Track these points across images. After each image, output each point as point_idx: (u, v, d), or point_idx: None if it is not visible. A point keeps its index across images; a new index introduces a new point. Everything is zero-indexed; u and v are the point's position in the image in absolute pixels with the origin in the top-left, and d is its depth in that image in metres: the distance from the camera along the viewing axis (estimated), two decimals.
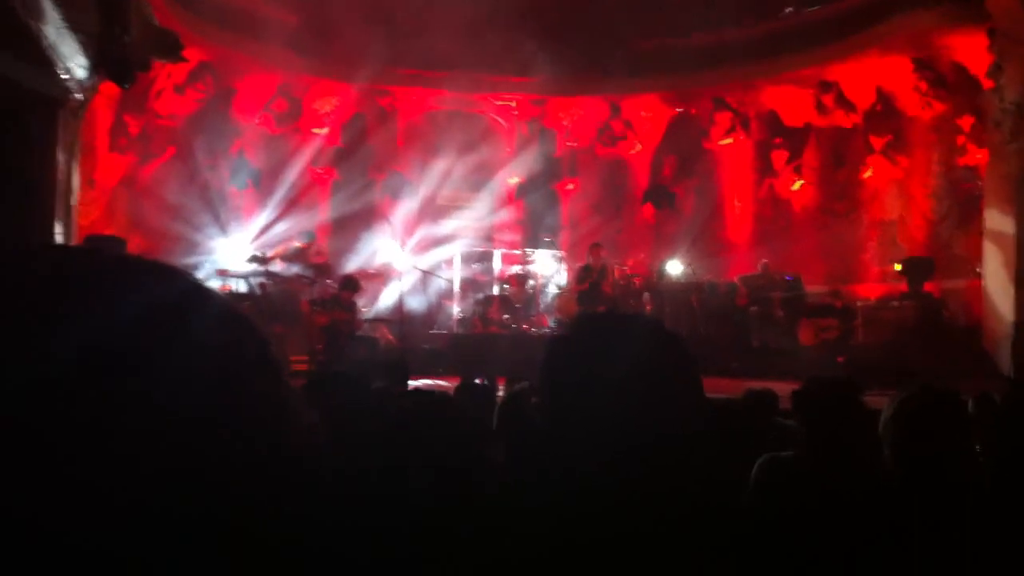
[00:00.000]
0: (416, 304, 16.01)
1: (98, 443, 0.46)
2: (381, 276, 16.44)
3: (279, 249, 15.52)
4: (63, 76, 8.63)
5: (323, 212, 18.57)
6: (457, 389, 5.24)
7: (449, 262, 17.29)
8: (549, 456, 1.38)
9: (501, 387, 6.10)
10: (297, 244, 15.80)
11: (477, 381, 5.78)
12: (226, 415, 0.50)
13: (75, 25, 8.40)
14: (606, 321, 1.48)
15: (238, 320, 0.56)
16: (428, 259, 17.16)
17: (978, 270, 13.68)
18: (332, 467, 0.58)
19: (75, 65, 8.87)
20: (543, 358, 1.38)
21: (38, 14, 7.35)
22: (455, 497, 2.33)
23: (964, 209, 15.18)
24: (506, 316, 15.47)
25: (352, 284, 13.07)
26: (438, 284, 16.78)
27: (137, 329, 0.49)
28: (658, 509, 1.31)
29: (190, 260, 15.12)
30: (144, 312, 0.50)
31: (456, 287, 16.82)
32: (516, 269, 16.59)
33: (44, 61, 8.04)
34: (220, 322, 0.54)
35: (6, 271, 0.51)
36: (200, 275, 14.76)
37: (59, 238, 9.24)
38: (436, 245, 17.88)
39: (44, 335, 0.47)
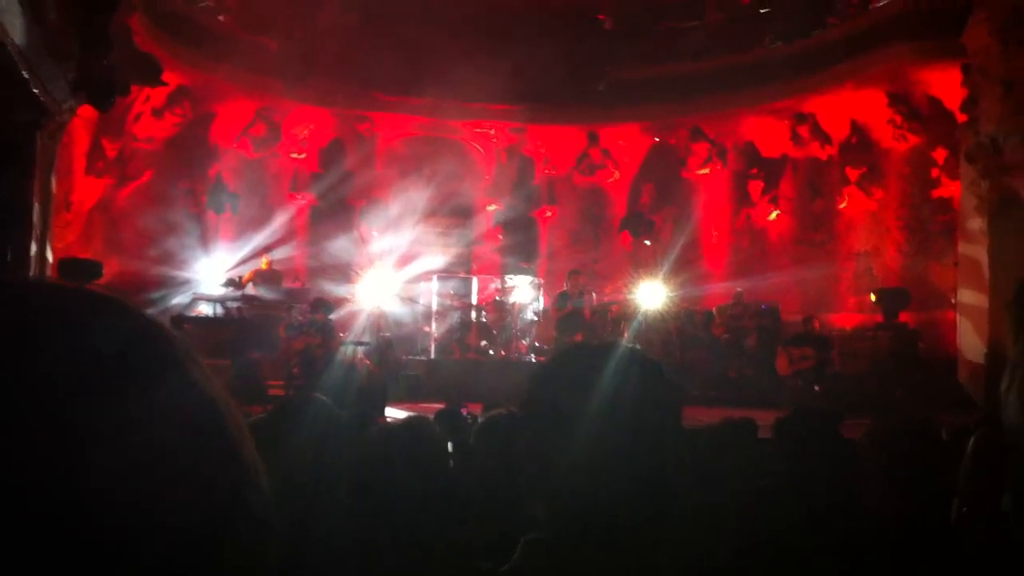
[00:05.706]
0: (393, 329, 15.94)
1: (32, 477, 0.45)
2: (358, 300, 16.38)
3: (249, 273, 15.53)
4: (42, 99, 8.59)
5: (301, 237, 18.53)
6: (436, 416, 5.20)
7: (427, 287, 17.21)
8: (532, 483, 1.37)
9: (478, 413, 6.06)
10: (263, 264, 15.86)
11: (463, 411, 5.74)
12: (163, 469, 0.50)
13: (55, 48, 8.37)
14: (592, 350, 1.48)
15: (180, 364, 0.55)
16: (405, 284, 17.08)
17: (953, 301, 13.79)
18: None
19: (54, 88, 8.83)
20: (528, 386, 1.38)
21: (17, 37, 7.32)
22: (431, 523, 2.32)
23: (938, 241, 15.32)
24: (484, 343, 15.43)
25: (327, 307, 12.98)
26: (416, 309, 16.70)
27: (73, 367, 0.49)
28: (641, 534, 1.31)
29: (166, 284, 15.05)
30: (85, 351, 0.50)
31: (434, 312, 16.76)
32: (494, 295, 16.56)
33: (23, 84, 8.00)
34: (161, 368, 0.53)
35: None
36: (175, 299, 14.80)
37: (34, 261, 9.17)
38: (414, 270, 17.82)
39: None
